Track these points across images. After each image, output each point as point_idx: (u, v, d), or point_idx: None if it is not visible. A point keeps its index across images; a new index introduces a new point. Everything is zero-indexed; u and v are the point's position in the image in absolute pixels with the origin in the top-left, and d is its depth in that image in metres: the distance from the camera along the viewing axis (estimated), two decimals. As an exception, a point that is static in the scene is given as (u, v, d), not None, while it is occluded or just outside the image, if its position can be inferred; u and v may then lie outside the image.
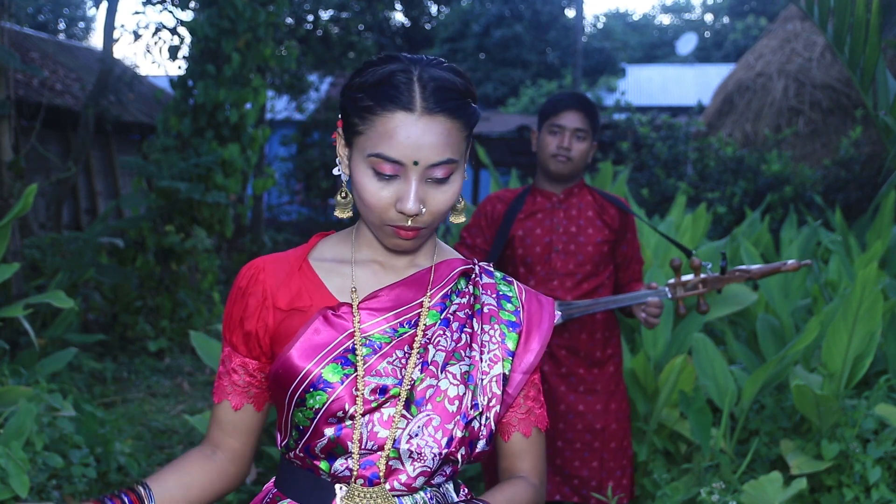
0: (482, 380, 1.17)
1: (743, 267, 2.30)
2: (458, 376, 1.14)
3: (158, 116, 6.34)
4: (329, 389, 1.10)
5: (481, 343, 1.18)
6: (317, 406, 1.10)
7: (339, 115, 1.15)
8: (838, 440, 2.72)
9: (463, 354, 1.16)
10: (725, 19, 30.90)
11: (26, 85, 7.24)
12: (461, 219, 1.20)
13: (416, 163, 1.06)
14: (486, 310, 1.21)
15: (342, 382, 1.10)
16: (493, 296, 1.23)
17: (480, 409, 1.15)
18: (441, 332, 1.16)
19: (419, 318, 1.16)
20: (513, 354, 1.19)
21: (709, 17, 33.92)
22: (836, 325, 2.88)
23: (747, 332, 4.04)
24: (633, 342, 3.90)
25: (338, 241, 1.23)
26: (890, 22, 2.18)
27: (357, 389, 1.10)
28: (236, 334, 1.18)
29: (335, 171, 1.19)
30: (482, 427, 1.15)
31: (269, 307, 1.16)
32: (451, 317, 1.18)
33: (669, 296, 2.32)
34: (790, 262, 2.26)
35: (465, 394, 1.14)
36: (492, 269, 1.27)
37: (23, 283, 4.52)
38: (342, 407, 1.09)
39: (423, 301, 1.17)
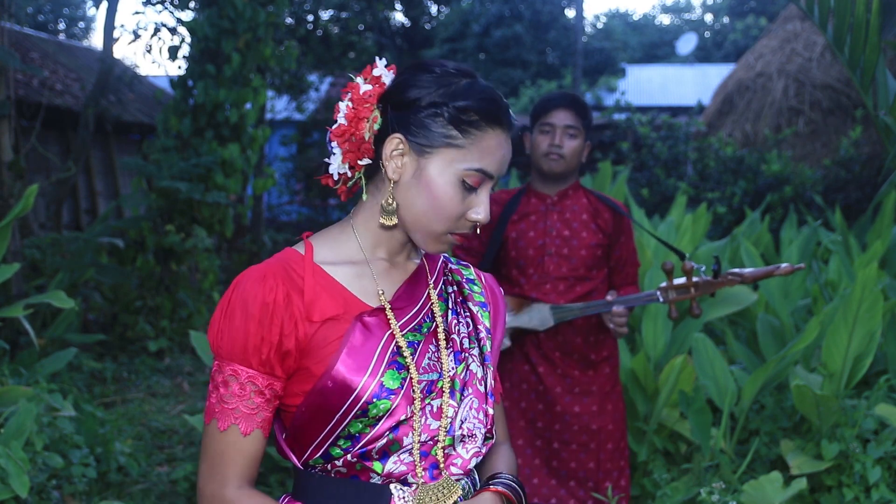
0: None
1: (736, 270, 2.30)
2: (478, 357, 1.21)
3: (158, 116, 6.33)
4: (392, 396, 1.10)
5: (476, 323, 1.25)
6: (380, 414, 1.10)
7: (396, 120, 1.12)
8: (838, 440, 2.72)
9: (474, 337, 1.23)
10: (725, 19, 30.90)
11: (26, 85, 7.23)
12: None
13: (499, 177, 1.15)
14: (466, 292, 1.27)
15: (402, 387, 1.11)
16: (464, 279, 1.29)
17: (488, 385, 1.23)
18: (455, 320, 1.21)
19: (433, 309, 1.20)
20: (490, 331, 1.26)
21: (709, 17, 33.93)
22: (836, 325, 2.89)
23: (747, 332, 4.04)
24: (633, 342, 3.90)
25: (336, 241, 1.18)
26: (890, 22, 2.18)
27: (413, 391, 1.12)
28: (274, 355, 1.10)
29: (333, 168, 1.16)
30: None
31: (303, 320, 1.10)
32: (456, 304, 1.24)
33: (661, 300, 2.33)
34: (783, 265, 2.26)
35: (485, 373, 1.21)
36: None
37: (23, 283, 4.52)
38: (404, 410, 1.11)
39: (429, 293, 1.21)
